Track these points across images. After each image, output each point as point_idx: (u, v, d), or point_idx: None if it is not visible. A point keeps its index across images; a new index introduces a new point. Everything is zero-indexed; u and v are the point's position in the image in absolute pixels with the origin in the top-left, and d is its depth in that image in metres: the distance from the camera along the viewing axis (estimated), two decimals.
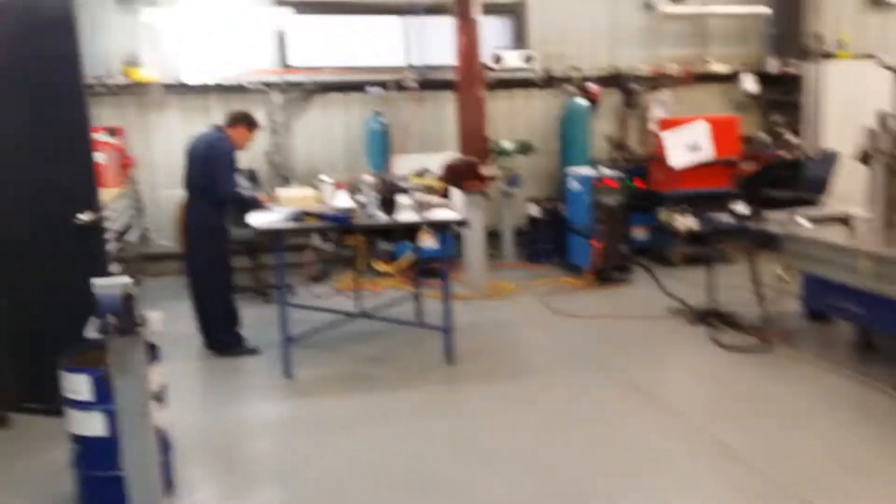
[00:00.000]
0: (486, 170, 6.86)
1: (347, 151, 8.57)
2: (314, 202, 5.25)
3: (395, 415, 4.46)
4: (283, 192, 5.46)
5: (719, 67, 9.24)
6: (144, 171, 7.92)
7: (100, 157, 6.81)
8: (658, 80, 9.03)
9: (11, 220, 4.14)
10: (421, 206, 4.90)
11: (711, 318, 5.86)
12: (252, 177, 7.76)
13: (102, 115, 7.75)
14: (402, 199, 4.94)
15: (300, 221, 4.77)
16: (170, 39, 7.82)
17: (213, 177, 5.25)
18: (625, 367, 5.14)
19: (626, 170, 7.87)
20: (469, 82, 7.59)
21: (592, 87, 8.55)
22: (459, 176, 6.64)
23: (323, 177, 5.44)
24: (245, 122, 5.52)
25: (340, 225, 4.70)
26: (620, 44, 9.16)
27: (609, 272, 7.30)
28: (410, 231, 5.05)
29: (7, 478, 3.76)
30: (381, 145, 8.25)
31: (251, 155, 8.08)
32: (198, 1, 7.84)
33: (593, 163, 8.02)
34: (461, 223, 4.97)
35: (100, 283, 2.48)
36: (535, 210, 8.37)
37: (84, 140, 4.05)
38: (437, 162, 8.20)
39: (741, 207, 5.68)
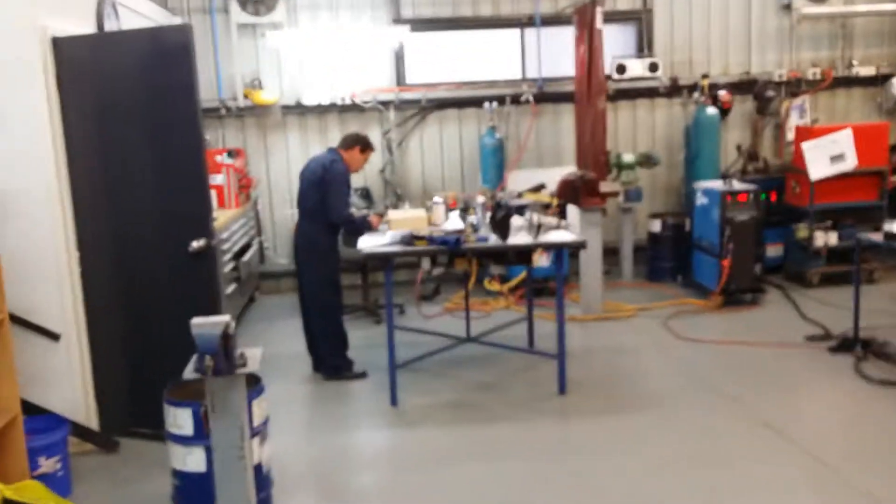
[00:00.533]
0: (606, 186, 6.54)
1: (462, 168, 8.46)
2: (425, 224, 5.14)
3: (502, 450, 4.24)
4: (394, 214, 5.38)
5: (864, 70, 8.44)
6: (263, 191, 8.13)
7: (220, 178, 7.06)
8: (796, 86, 8.37)
9: (130, 247, 4.25)
10: (536, 228, 4.68)
11: (856, 346, 5.29)
12: (366, 195, 7.80)
13: (225, 136, 8.04)
14: (516, 220, 4.73)
15: (409, 245, 4.66)
16: (290, 61, 7.99)
17: (325, 200, 5.25)
18: (755, 402, 4.70)
19: (760, 182, 7.31)
20: (589, 94, 7.30)
21: (723, 94, 8.03)
22: (576, 192, 6.36)
23: (436, 198, 5.32)
24: (359, 144, 5.50)
25: (450, 249, 4.55)
26: (754, 48, 8.56)
27: (739, 293, 6.79)
28: (524, 254, 4.82)
29: None
30: (496, 161, 8.08)
31: (365, 173, 8.17)
32: (317, 23, 7.97)
33: (724, 175, 7.51)
34: (578, 246, 4.70)
35: (198, 323, 2.42)
36: (656, 226, 7.94)
37: (198, 168, 4.12)
38: (553, 177, 7.96)
39: (892, 225, 5.10)
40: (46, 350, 4.24)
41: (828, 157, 7.16)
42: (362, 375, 5.43)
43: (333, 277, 5.43)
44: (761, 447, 4.11)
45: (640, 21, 8.53)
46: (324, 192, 5.28)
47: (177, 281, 4.19)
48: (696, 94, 8.09)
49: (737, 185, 6.91)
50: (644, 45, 8.52)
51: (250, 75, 7.90)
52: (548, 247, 4.76)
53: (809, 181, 7.17)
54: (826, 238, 7.18)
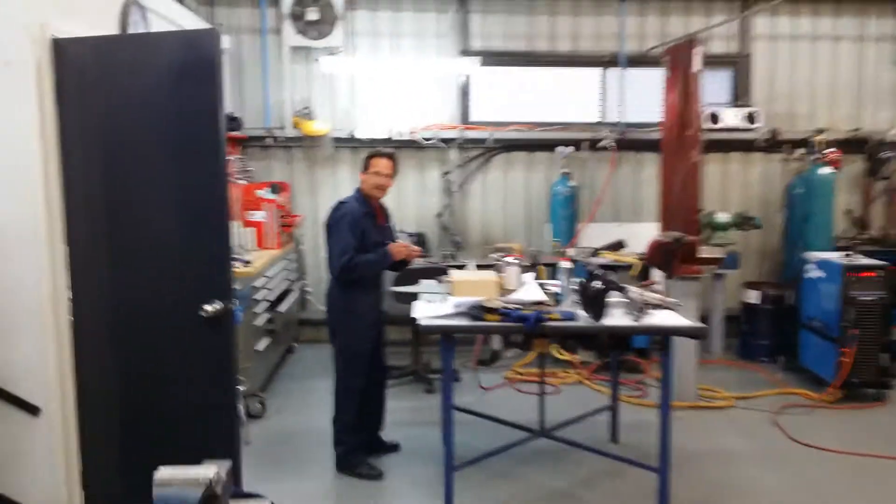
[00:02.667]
0: (707, 250, 5.53)
1: (528, 217, 7.54)
2: (495, 290, 4.20)
3: None
4: (457, 276, 4.44)
5: None
6: (308, 230, 7.31)
7: (260, 215, 6.24)
8: None
9: (132, 303, 3.38)
10: (640, 307, 3.70)
11: None
12: (420, 241, 6.90)
13: (271, 168, 7.27)
14: (613, 295, 3.76)
15: (477, 320, 3.71)
16: (344, 90, 7.22)
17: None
18: None
19: (876, 255, 6.22)
20: (681, 144, 6.37)
21: (831, 152, 7.00)
22: (670, 257, 5.38)
23: (508, 258, 4.39)
24: (362, 167, 4.46)
25: (529, 328, 3.60)
26: (866, 103, 7.55)
27: (862, 386, 5.67)
28: (621, 338, 3.85)
29: None
30: (568, 212, 7.14)
31: (420, 216, 7.30)
32: (377, 50, 7.20)
33: (843, 247, 6.43)
34: (697, 335, 3.68)
35: (164, 479, 1.50)
36: (753, 296, 6.87)
37: (218, 214, 3.24)
38: (631, 234, 7.00)
39: None
40: (22, 427, 3.39)
41: None
42: (377, 476, 4.40)
43: (352, 348, 4.40)
44: None
45: (736, 67, 7.57)
46: (327, 241, 4.42)
47: (185, 350, 3.31)
48: (802, 151, 7.05)
49: (861, 259, 5.83)
50: (739, 94, 7.57)
51: (301, 103, 7.14)
52: (657, 332, 3.75)
53: None
54: None
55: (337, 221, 4.37)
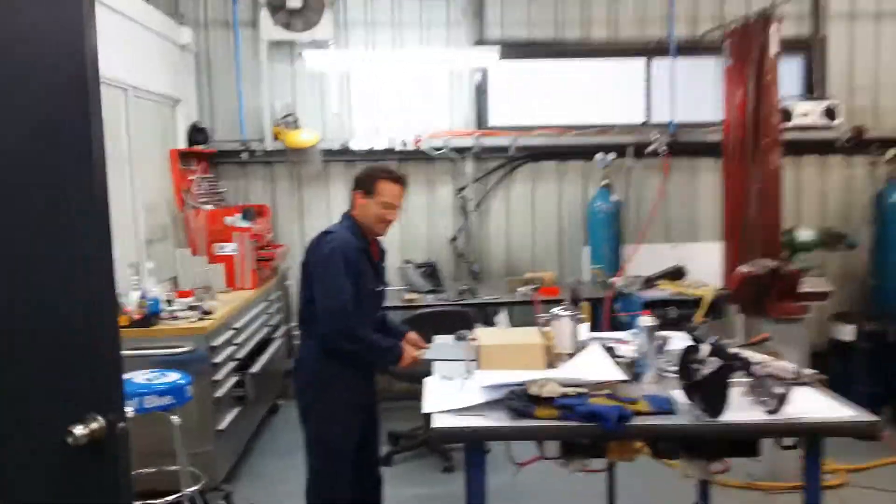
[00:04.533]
0: (810, 284, 4.23)
1: (561, 240, 6.26)
2: (540, 358, 2.90)
3: None
4: (484, 336, 3.11)
5: None
6: (296, 262, 6.02)
7: (230, 248, 4.99)
8: None
9: None
10: (771, 392, 2.37)
11: None
12: (432, 273, 5.62)
13: (248, 190, 6.02)
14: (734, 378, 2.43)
15: (523, 415, 2.39)
16: (335, 93, 5.96)
17: (314, 302, 3.11)
18: None
19: None
20: (755, 145, 5.12)
21: None
22: (764, 292, 4.07)
23: (557, 308, 3.09)
24: (360, 186, 3.21)
25: (607, 430, 2.29)
26: None
27: None
28: (748, 444, 2.52)
29: None
30: (610, 232, 5.87)
31: (430, 241, 6.03)
32: (375, 43, 5.95)
33: None
34: (867, 435, 2.34)
35: None
36: (846, 332, 5.53)
37: (102, 284, 1.92)
38: (688, 257, 5.75)
39: None
40: None
41: None
42: None
43: (330, 442, 3.16)
44: None
45: (809, 52, 6.28)
46: (310, 288, 3.15)
47: (49, 489, 2.01)
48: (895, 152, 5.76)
49: None
50: (813, 85, 6.27)
51: (283, 110, 5.88)
52: (809, 432, 2.40)
53: None
54: None
55: (326, 261, 3.10)
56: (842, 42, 6.20)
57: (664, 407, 2.41)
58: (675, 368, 2.51)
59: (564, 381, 2.54)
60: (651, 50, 6.14)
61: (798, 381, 2.57)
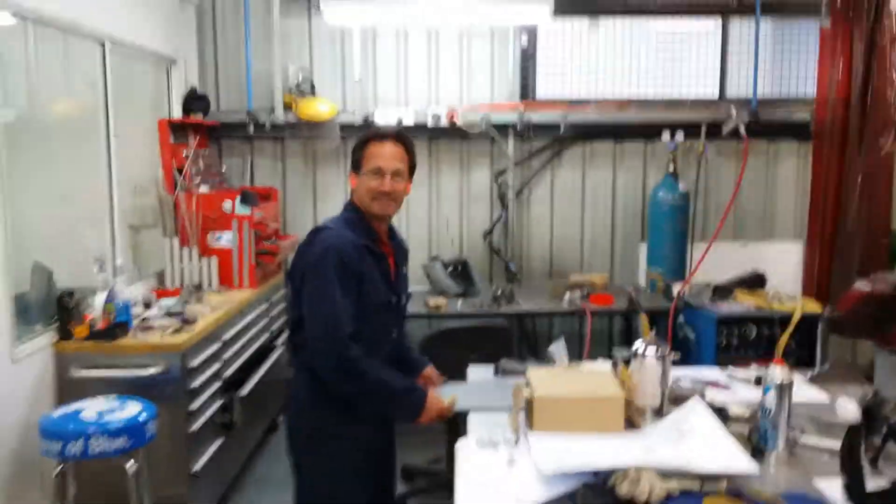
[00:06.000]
0: None
1: (615, 235, 5.38)
2: (618, 416, 2.06)
3: None
4: (536, 379, 2.23)
5: None
6: None
7: (226, 238, 4.19)
8: None
9: None
10: None
11: None
12: (462, 271, 4.78)
13: (254, 168, 5.22)
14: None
15: None
16: (358, 56, 5.12)
17: (302, 322, 2.30)
18: None
19: None
20: (863, 127, 4.23)
21: None
22: (889, 315, 3.17)
23: (639, 342, 2.23)
24: (352, 165, 2.44)
25: None
26: None
27: None
28: None
29: None
30: (676, 228, 4.94)
31: (462, 234, 5.19)
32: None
33: None
34: None
35: None
36: None
37: None
38: (762, 258, 4.87)
39: None
40: None
41: None
42: None
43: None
44: None
45: None
46: (299, 305, 2.33)
47: None
48: None
49: None
50: None
51: (297, 74, 5.05)
52: None
53: None
54: None
55: (315, 266, 2.27)
56: None
57: None
58: (818, 440, 1.66)
59: (665, 470, 1.69)
60: (730, 8, 5.18)
61: None
